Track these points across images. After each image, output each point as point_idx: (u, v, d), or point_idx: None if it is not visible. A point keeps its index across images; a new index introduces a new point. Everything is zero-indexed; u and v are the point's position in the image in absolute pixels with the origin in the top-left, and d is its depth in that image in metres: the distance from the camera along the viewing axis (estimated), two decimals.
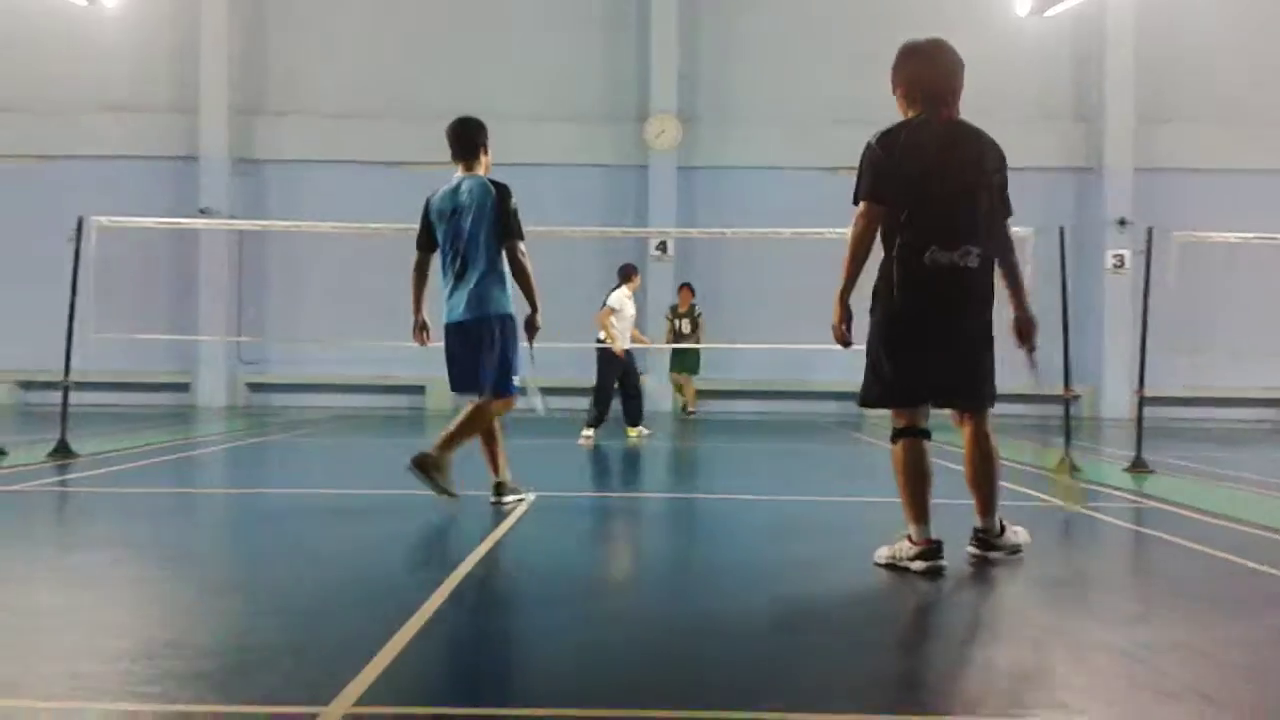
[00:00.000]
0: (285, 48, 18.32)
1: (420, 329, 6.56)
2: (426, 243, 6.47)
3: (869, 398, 4.58)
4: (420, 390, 17.89)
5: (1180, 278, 10.35)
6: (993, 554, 4.57)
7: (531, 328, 6.28)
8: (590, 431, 11.63)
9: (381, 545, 5.16)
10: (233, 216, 17.35)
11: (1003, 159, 4.56)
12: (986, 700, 2.84)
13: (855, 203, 4.45)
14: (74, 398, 9.30)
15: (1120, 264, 17.92)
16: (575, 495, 7.42)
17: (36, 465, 8.19)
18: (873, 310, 4.47)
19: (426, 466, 6.04)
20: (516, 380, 6.24)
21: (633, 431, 12.22)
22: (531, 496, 6.43)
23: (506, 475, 6.33)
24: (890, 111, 4.60)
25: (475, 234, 6.19)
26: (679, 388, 16.55)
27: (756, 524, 6.09)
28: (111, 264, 10.77)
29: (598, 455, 10.42)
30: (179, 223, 14.59)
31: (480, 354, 6.13)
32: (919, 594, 4.10)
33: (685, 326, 15.83)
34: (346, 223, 13.32)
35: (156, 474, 8.38)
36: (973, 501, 4.63)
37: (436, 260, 6.43)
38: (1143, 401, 9.46)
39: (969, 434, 4.58)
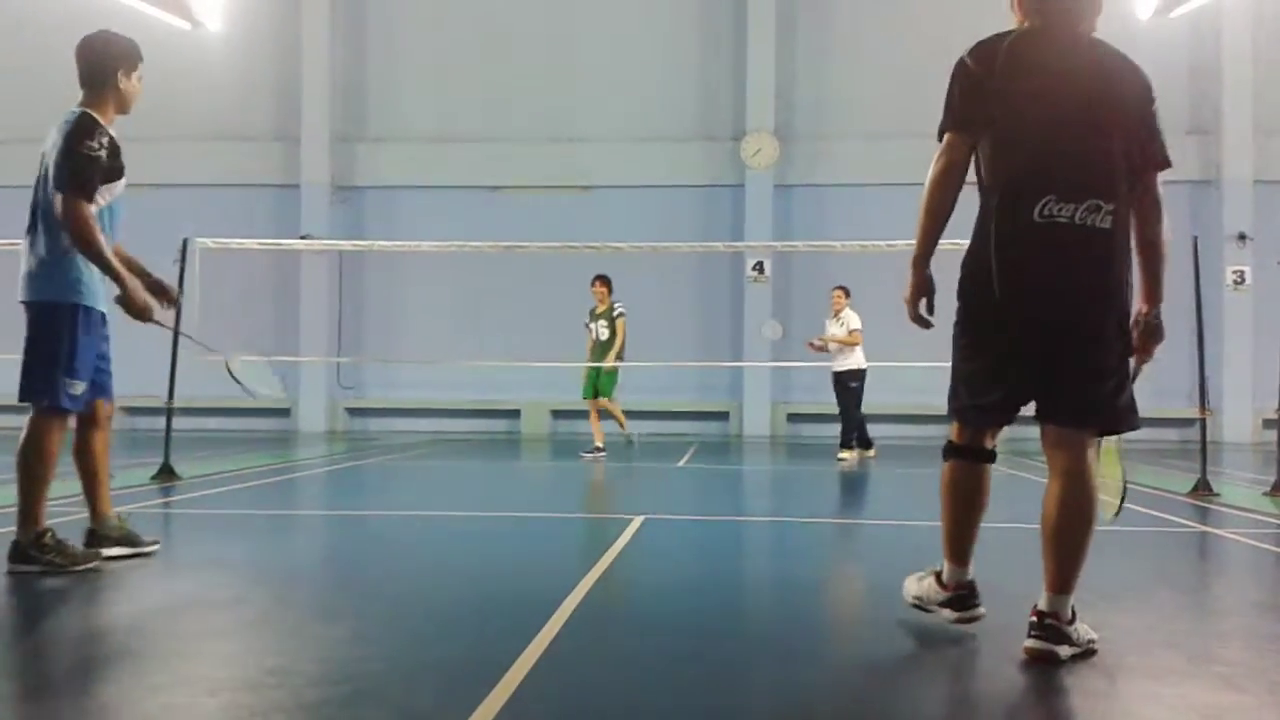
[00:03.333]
0: (384, 75, 18.53)
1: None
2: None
3: (954, 410, 3.48)
4: (516, 414, 17.84)
5: None
6: (1063, 649, 3.18)
7: (134, 307, 4.67)
8: (851, 453, 12.05)
9: (490, 568, 4.94)
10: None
11: (1151, 91, 3.37)
12: None
13: (939, 137, 3.37)
14: (177, 422, 9.36)
15: (1240, 280, 17.10)
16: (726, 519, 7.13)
17: (141, 488, 8.20)
18: (960, 291, 3.37)
19: (23, 555, 4.51)
20: (76, 386, 4.59)
21: (848, 454, 12.15)
22: (156, 547, 5.03)
23: (111, 516, 4.92)
24: None
25: (43, 186, 4.67)
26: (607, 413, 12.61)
27: (898, 550, 5.74)
28: (215, 289, 10.87)
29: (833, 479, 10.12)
30: (280, 244, 14.75)
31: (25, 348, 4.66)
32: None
33: (601, 331, 12.34)
34: (443, 242, 13.27)
35: (259, 496, 8.33)
36: (1043, 567, 3.24)
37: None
38: None
39: (1062, 461, 3.27)
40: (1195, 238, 9.02)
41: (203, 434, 14.96)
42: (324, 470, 10.86)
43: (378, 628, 3.67)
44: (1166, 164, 3.37)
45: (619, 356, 12.20)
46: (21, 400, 4.62)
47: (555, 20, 18.24)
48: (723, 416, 17.81)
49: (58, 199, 4.50)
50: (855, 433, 12.28)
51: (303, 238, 17.43)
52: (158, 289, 4.93)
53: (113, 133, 4.71)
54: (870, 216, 16.59)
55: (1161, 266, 3.37)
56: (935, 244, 3.40)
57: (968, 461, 3.49)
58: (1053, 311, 3.22)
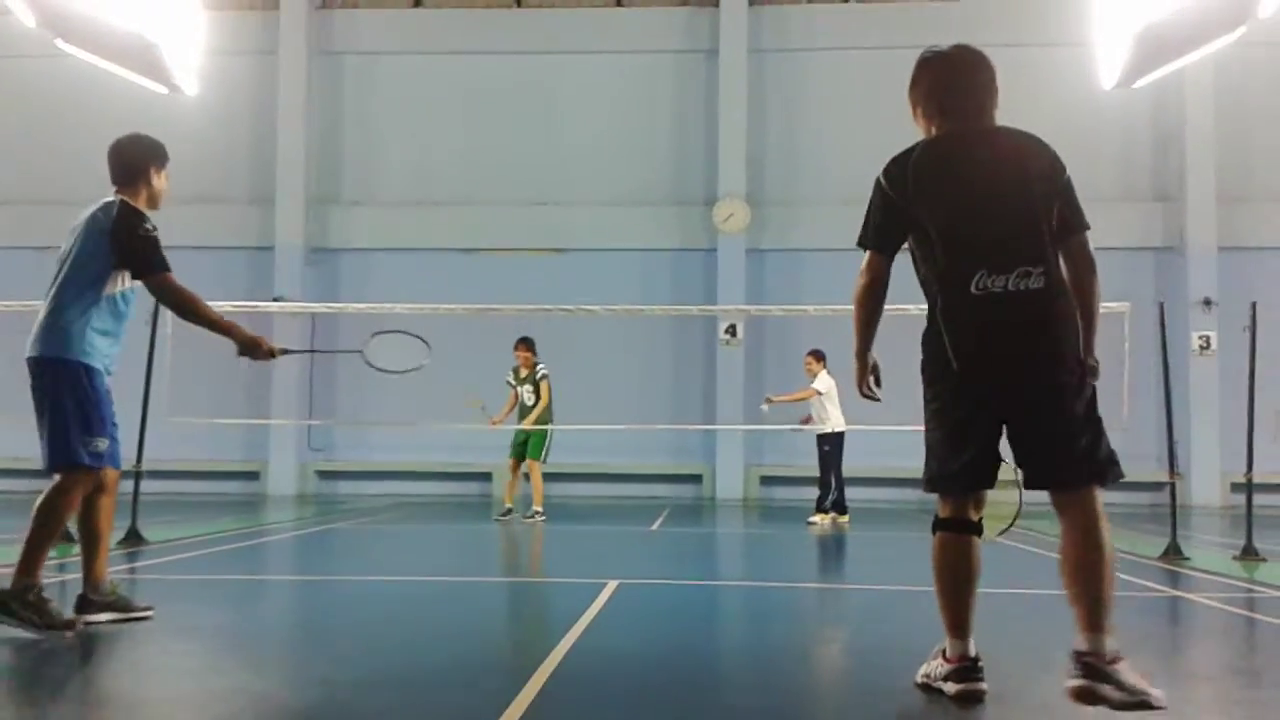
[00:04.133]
0: (360, 138, 18.64)
1: None
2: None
3: (926, 480, 3.67)
4: (488, 477, 17.71)
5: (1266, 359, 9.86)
6: (1107, 688, 3.08)
7: (260, 349, 5.26)
8: (824, 517, 12.06)
9: (463, 635, 4.88)
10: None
11: (1058, 163, 3.60)
12: None
13: (860, 246, 3.72)
14: (145, 485, 9.23)
15: (1206, 345, 17.33)
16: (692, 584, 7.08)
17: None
18: (923, 369, 3.62)
19: (2, 605, 4.45)
20: (99, 442, 4.65)
21: (819, 518, 12.13)
22: (150, 613, 4.91)
23: (106, 582, 4.86)
24: None
25: (77, 256, 4.81)
26: (524, 476, 12.37)
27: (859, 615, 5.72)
28: (187, 349, 10.80)
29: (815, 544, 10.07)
30: (254, 306, 14.69)
31: (39, 406, 4.72)
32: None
33: (527, 395, 12.31)
34: (417, 304, 13.29)
35: (228, 561, 8.21)
36: (1074, 614, 3.24)
37: None
38: (1251, 487, 8.93)
39: (1069, 520, 3.37)
40: (1161, 303, 9.17)
41: (171, 497, 14.76)
42: (293, 535, 10.73)
43: (349, 694, 3.61)
44: (1085, 226, 3.61)
45: (544, 419, 12.15)
46: (49, 468, 4.67)
47: (531, 86, 18.44)
48: (696, 479, 17.77)
49: (149, 281, 4.88)
50: (830, 496, 12.25)
51: (276, 299, 17.39)
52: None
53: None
54: (842, 281, 16.69)
55: (1093, 313, 3.59)
56: (872, 339, 3.76)
57: (953, 534, 3.60)
58: (1007, 373, 3.45)
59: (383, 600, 5.97)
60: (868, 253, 3.68)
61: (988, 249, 3.46)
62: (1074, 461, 3.38)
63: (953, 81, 3.71)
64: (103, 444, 4.68)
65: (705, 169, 18.12)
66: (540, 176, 18.27)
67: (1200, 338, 17.36)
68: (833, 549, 9.96)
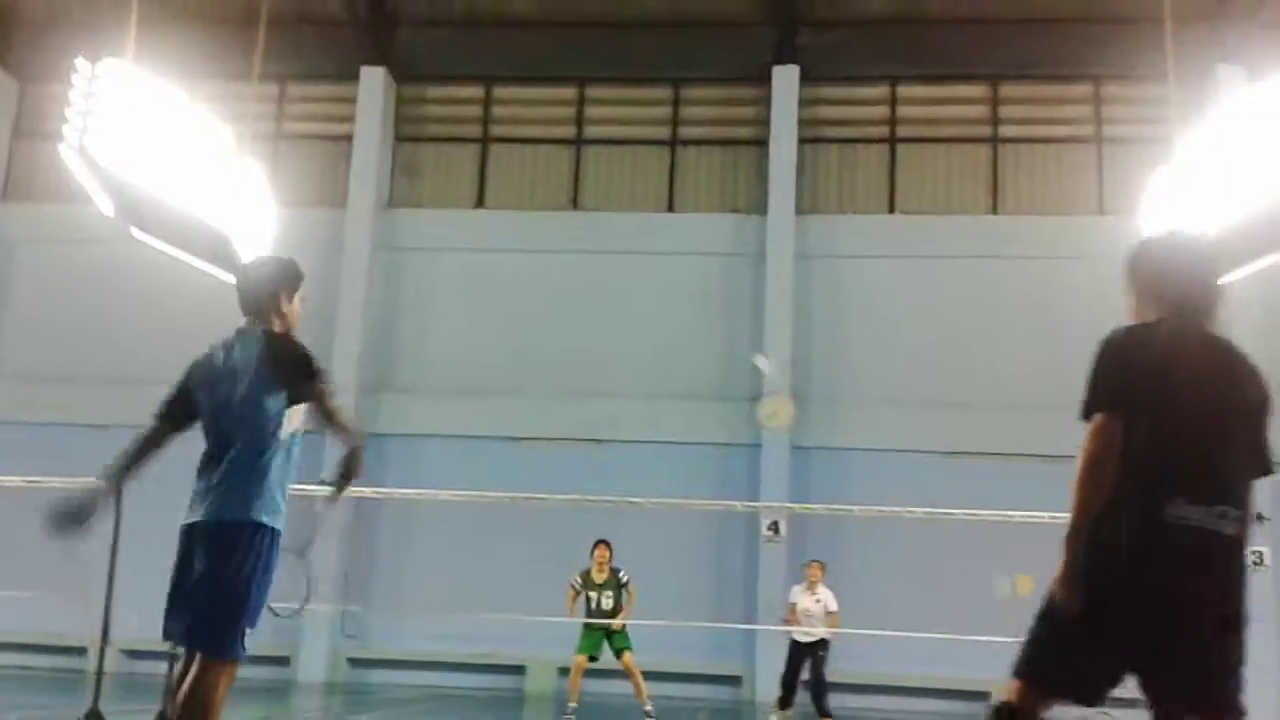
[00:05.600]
0: (413, 328, 19.20)
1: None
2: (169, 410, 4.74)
3: (1031, 664, 3.33)
4: (521, 670, 17.36)
5: None
6: None
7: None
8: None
9: None
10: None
11: (1271, 398, 3.36)
12: None
13: (1085, 416, 3.29)
14: (180, 668, 9.16)
15: (1260, 560, 16.87)
16: None
17: None
18: (1069, 573, 3.25)
19: None
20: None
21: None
22: None
23: None
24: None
25: (243, 402, 4.50)
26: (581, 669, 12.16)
27: None
28: None
29: None
30: (302, 489, 14.86)
31: (209, 583, 4.30)
32: None
33: (605, 601, 12.17)
34: (462, 492, 13.40)
35: None
36: None
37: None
38: None
39: None
40: None
41: None
42: None
43: None
44: (1270, 471, 3.43)
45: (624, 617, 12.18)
46: (208, 652, 4.24)
47: (583, 282, 19.03)
48: (734, 681, 17.27)
49: (316, 391, 4.51)
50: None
51: (321, 482, 17.55)
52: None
53: None
54: (886, 481, 16.67)
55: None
56: (1088, 522, 3.27)
57: None
58: (1183, 617, 3.17)
59: None
60: (1098, 415, 3.27)
61: (1195, 471, 3.23)
62: (1226, 700, 3.25)
63: (1185, 271, 3.51)
64: (250, 631, 4.24)
65: (750, 367, 18.37)
66: (588, 369, 18.62)
67: (1254, 553, 16.91)
68: None
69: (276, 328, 4.68)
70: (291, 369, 4.49)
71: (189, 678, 4.21)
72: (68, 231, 18.44)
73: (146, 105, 8.96)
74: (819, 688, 12.40)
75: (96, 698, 8.69)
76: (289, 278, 4.78)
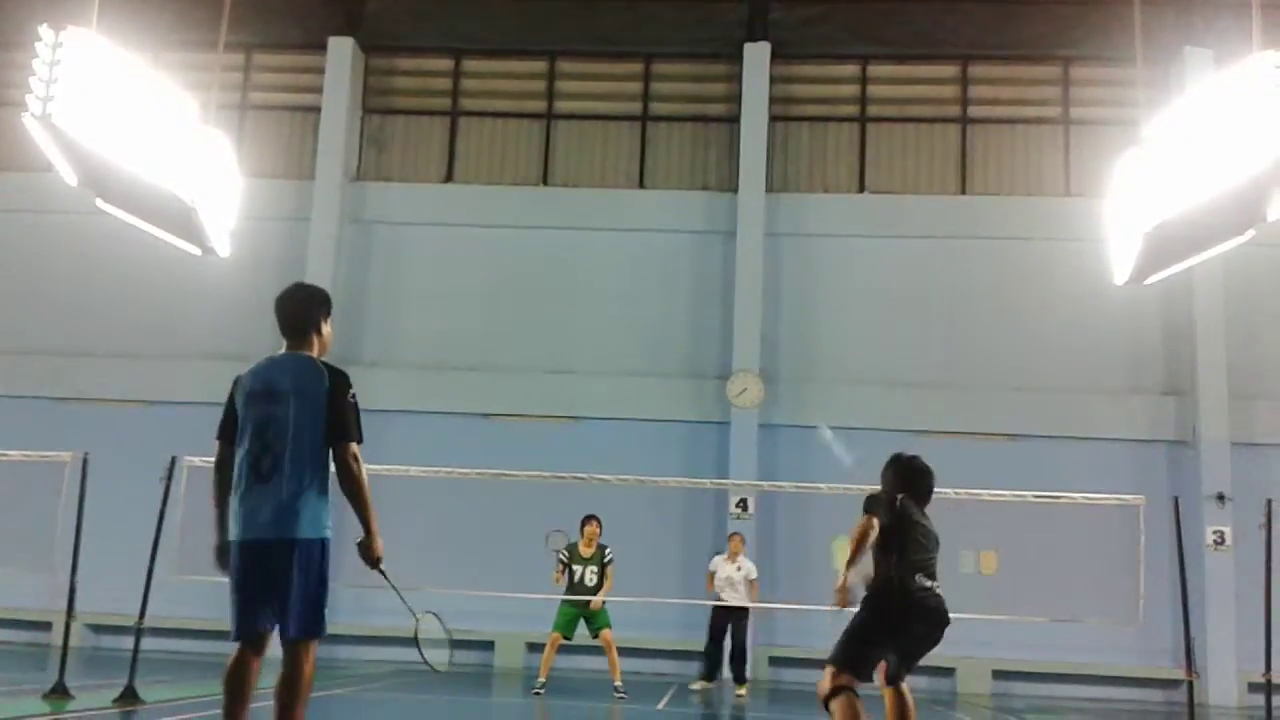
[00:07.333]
0: (382, 302, 19.06)
1: (222, 554, 5.18)
2: (230, 431, 5.19)
3: (845, 657, 6.21)
4: (490, 645, 17.39)
5: None
6: None
7: (371, 555, 5.41)
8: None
9: None
10: None
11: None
12: None
13: (865, 509, 6.05)
14: (146, 643, 9.13)
15: (1221, 540, 17.14)
16: None
17: (101, 710, 7.94)
18: (876, 600, 6.20)
19: None
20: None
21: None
22: None
23: None
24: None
25: (297, 426, 4.97)
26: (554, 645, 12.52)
27: None
28: (202, 507, 10.84)
29: None
30: None
31: (288, 583, 4.99)
32: None
33: (590, 577, 12.34)
34: (431, 468, 13.39)
35: None
36: None
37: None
38: (1270, 687, 8.75)
39: (896, 692, 6.42)
40: (1176, 498, 9.17)
41: (172, 656, 14.49)
42: None
43: None
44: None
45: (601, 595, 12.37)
46: (309, 636, 4.99)
47: (553, 259, 18.96)
48: (703, 656, 17.38)
49: (349, 447, 5.00)
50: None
51: None
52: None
53: None
54: (855, 459, 16.79)
55: None
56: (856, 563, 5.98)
57: (853, 694, 6.02)
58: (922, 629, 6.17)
59: None
60: (871, 516, 5.96)
61: (926, 564, 6.15)
62: None
63: (910, 484, 6.40)
64: None
65: (720, 344, 18.42)
66: (559, 346, 18.61)
67: (1215, 533, 17.16)
68: None
69: (315, 349, 5.17)
70: (341, 407, 5.01)
71: (288, 658, 4.99)
72: (30, 201, 18.19)
73: (111, 74, 8.80)
74: (738, 655, 12.87)
75: (62, 672, 8.65)
76: (324, 303, 5.29)
